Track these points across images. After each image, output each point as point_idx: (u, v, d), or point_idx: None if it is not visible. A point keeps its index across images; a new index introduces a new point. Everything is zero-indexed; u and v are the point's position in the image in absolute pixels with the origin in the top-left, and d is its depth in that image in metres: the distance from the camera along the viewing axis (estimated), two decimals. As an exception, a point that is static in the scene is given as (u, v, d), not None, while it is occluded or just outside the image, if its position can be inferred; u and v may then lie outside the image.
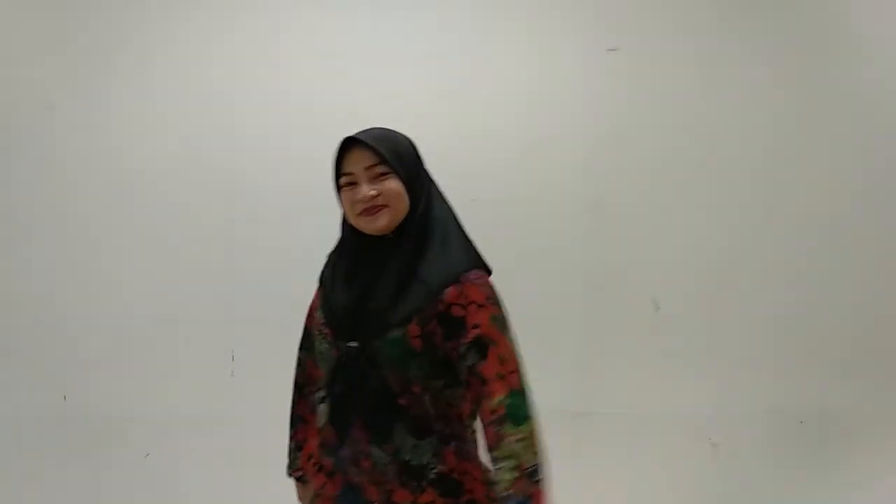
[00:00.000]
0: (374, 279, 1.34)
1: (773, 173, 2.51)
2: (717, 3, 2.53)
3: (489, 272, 1.37)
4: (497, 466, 1.24)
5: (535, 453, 1.25)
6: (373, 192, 1.32)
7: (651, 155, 2.50)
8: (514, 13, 2.50)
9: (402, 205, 1.34)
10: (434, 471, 1.33)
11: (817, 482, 2.50)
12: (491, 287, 1.33)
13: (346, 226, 1.42)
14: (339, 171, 1.37)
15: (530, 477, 1.23)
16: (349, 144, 1.35)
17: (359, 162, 1.33)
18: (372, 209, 1.33)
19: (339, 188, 1.38)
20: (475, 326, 1.28)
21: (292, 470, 1.59)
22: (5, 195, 2.48)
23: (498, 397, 1.25)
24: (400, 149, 1.36)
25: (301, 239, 2.44)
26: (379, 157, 1.32)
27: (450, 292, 1.29)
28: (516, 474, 1.23)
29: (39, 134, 2.48)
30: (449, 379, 1.32)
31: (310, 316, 1.55)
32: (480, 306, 1.29)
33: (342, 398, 1.35)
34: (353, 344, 1.33)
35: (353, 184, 1.34)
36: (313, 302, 1.52)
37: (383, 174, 1.33)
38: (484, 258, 1.39)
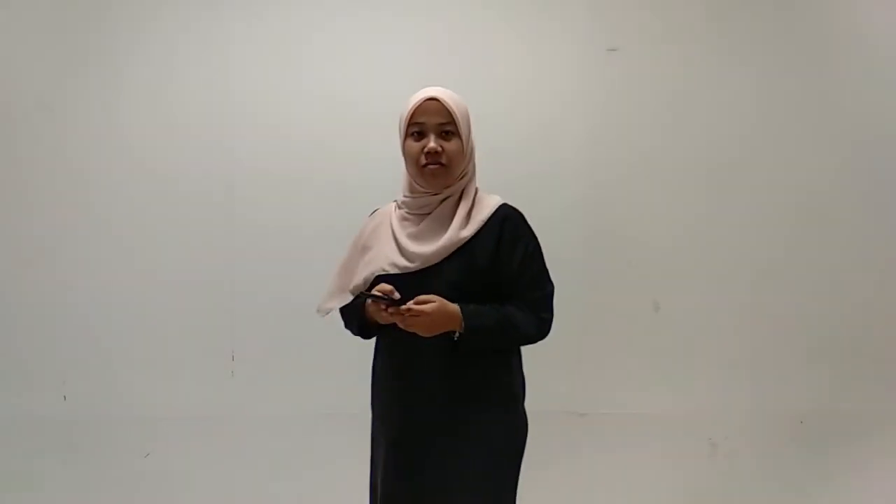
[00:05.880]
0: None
1: (773, 172, 2.51)
2: (717, 3, 2.53)
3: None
4: None
5: None
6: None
7: (651, 155, 2.50)
8: (514, 12, 2.50)
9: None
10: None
11: (817, 482, 2.50)
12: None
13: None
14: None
15: None
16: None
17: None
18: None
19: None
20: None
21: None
22: (3, 195, 2.48)
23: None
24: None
25: (302, 239, 2.45)
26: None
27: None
28: None
29: (37, 133, 2.48)
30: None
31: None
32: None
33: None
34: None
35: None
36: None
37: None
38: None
